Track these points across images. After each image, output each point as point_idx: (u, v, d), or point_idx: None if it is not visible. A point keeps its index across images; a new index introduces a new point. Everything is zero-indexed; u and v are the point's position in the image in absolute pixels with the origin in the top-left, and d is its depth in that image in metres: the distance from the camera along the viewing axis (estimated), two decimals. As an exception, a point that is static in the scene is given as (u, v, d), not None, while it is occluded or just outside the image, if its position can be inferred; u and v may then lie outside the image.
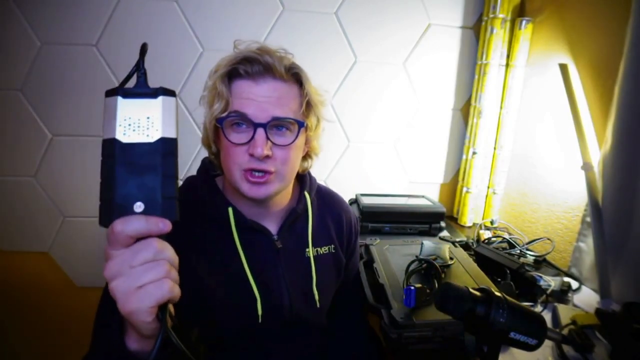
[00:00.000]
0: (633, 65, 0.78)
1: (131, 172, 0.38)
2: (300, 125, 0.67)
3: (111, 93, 0.39)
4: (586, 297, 0.91)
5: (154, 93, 0.40)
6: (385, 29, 1.30)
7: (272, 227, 0.75)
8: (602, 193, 0.89)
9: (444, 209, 1.20)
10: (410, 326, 0.66)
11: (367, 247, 0.98)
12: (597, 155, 0.93)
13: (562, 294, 0.89)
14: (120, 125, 0.38)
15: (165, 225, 0.39)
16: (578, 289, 0.95)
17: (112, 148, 0.38)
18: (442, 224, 1.19)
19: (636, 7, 0.77)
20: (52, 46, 1.18)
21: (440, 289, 0.53)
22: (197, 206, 0.71)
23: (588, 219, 0.95)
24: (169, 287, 0.39)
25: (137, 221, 0.37)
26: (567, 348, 0.68)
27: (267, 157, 0.64)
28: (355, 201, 1.29)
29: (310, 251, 0.77)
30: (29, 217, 1.30)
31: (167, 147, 0.40)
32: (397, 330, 0.66)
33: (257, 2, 1.23)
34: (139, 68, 0.41)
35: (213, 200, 0.72)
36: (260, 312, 0.69)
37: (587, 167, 0.93)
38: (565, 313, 0.79)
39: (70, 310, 1.36)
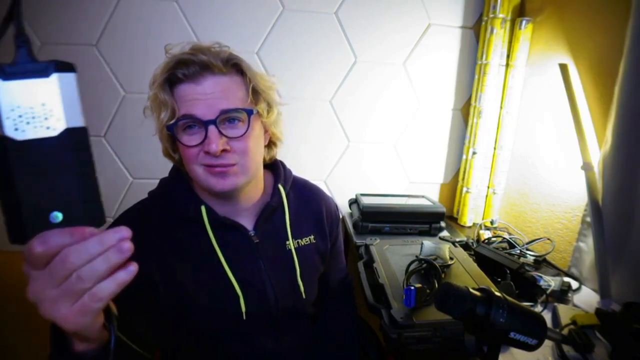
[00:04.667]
0: (633, 65, 0.78)
1: (36, 176, 0.31)
2: (249, 113, 0.66)
3: None
4: (586, 297, 0.91)
5: (43, 70, 0.31)
6: (385, 29, 1.30)
7: (248, 223, 0.75)
8: (602, 193, 0.89)
9: (444, 209, 1.19)
10: (410, 326, 0.66)
11: (367, 247, 0.97)
12: (597, 155, 0.93)
13: (562, 294, 0.89)
14: (7, 118, 0.30)
15: (92, 231, 0.33)
16: (578, 289, 0.95)
17: (2, 149, 0.30)
18: (442, 224, 1.19)
19: (636, 7, 0.76)
20: (52, 46, 1.18)
21: (440, 289, 0.53)
22: (170, 208, 0.71)
23: (588, 219, 0.95)
24: (105, 292, 0.34)
25: (58, 237, 0.32)
26: (567, 348, 0.68)
27: (225, 151, 0.64)
28: (355, 201, 1.29)
29: (291, 243, 0.78)
30: (29, 217, 1.30)
31: (76, 140, 0.32)
32: (397, 330, 0.66)
33: (257, 2, 1.23)
34: (20, 32, 0.31)
35: (186, 199, 0.71)
36: (244, 309, 0.70)
37: (587, 167, 0.93)
38: (565, 313, 0.79)
39: (71, 310, 1.36)
